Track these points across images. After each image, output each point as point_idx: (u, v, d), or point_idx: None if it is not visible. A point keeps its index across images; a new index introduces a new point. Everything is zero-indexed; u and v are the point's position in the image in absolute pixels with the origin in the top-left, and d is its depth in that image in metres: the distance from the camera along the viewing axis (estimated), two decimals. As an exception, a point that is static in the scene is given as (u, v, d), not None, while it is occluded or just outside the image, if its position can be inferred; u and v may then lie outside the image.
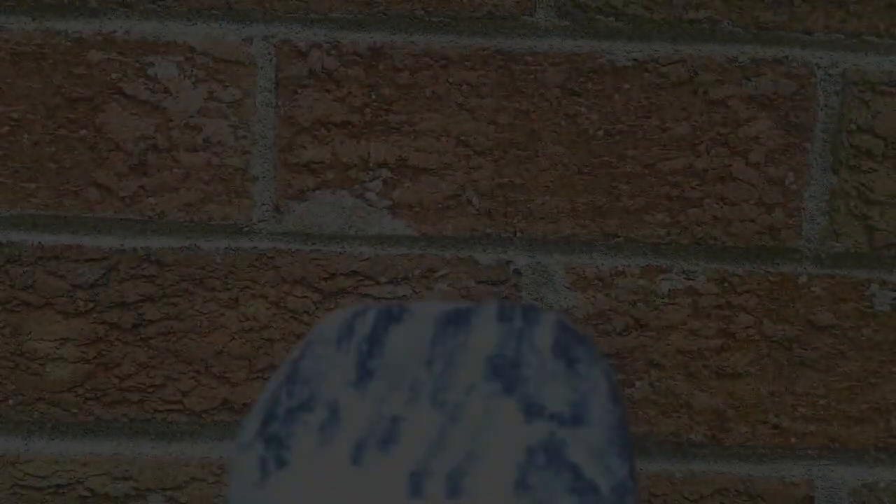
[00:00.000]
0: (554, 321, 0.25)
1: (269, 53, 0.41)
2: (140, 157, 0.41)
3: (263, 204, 0.43)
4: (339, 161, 0.42)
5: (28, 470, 0.44)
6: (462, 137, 0.42)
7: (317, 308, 0.44)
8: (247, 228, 0.43)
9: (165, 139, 0.41)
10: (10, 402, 0.43)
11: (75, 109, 0.41)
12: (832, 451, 0.45)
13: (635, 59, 0.42)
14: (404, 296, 0.44)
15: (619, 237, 0.43)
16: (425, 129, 0.42)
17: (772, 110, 0.43)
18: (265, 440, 0.25)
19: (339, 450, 0.23)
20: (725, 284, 0.44)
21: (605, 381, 0.25)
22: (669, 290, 0.44)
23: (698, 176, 0.43)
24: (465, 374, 0.24)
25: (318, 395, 0.24)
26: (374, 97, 0.42)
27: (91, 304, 0.43)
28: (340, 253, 0.43)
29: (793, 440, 0.44)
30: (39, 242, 0.42)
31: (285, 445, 0.24)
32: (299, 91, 0.41)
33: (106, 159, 0.41)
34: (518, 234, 0.43)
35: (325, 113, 0.42)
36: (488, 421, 0.23)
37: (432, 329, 0.25)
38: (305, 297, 0.44)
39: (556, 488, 0.23)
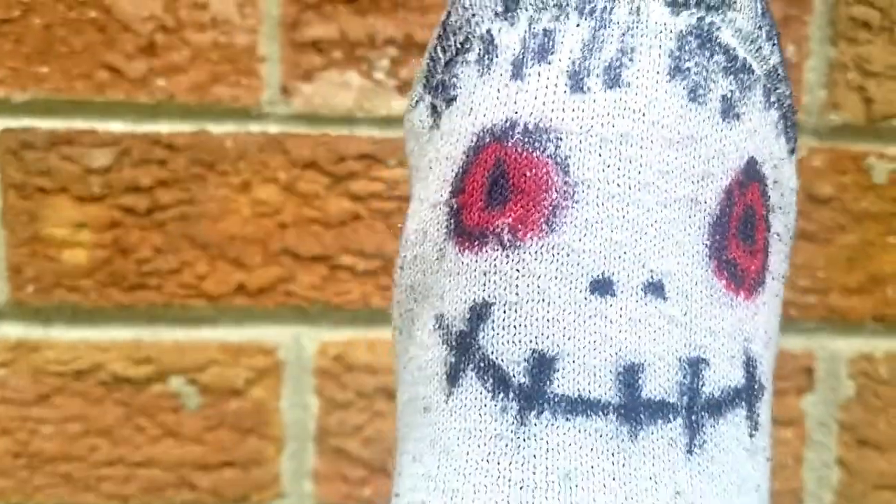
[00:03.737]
0: None
1: (273, -67, 0.41)
2: (149, 37, 0.42)
3: (271, 86, 0.43)
4: (346, 39, 0.42)
5: (49, 356, 0.45)
6: (467, 14, 0.43)
7: (327, 192, 0.44)
8: (256, 111, 0.43)
9: (173, 19, 0.42)
10: (30, 289, 0.44)
11: (81, -8, 0.41)
12: (831, 322, 0.46)
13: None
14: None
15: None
16: (432, 3, 0.42)
17: (772, -19, 0.43)
18: (431, 90, 0.26)
19: (499, 71, 0.24)
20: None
21: None
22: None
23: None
24: None
25: (471, 34, 0.25)
26: (379, -28, 0.42)
27: (105, 190, 0.43)
28: (349, 136, 0.44)
29: (792, 312, 0.46)
30: (52, 127, 0.42)
31: (451, 85, 0.25)
32: (305, -34, 0.42)
33: (115, 41, 0.42)
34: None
35: (331, -12, 0.42)
36: (636, 19, 0.24)
37: None
38: (315, 181, 0.44)
39: (710, 70, 0.24)
